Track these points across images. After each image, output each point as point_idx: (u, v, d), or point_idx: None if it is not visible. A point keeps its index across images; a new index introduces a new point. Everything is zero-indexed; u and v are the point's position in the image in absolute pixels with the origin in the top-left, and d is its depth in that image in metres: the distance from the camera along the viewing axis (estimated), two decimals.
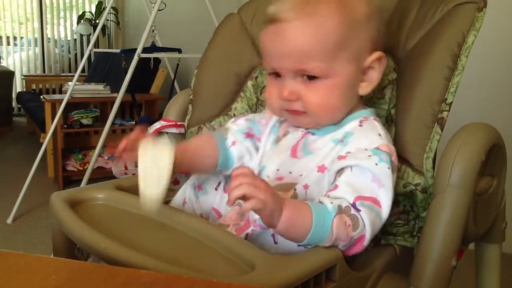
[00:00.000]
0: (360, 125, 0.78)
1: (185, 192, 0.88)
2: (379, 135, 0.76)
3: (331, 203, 0.67)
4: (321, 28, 0.72)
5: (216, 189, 0.86)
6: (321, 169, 0.75)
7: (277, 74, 0.77)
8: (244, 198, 0.62)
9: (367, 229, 0.68)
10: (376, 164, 0.71)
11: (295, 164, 0.78)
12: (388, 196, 0.71)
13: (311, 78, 0.74)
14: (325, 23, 0.72)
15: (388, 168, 0.71)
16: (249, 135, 0.86)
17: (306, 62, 0.73)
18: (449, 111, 0.79)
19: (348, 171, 0.72)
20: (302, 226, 0.65)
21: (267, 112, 0.88)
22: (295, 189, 0.75)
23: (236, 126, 0.87)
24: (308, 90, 0.75)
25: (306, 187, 0.75)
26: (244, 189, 0.61)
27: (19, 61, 5.75)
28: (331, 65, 0.73)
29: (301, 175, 0.76)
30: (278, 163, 0.79)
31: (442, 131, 0.79)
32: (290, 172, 0.77)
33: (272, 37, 0.75)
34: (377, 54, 0.77)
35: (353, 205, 0.68)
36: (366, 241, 0.69)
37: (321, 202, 0.68)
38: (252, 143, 0.85)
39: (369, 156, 0.71)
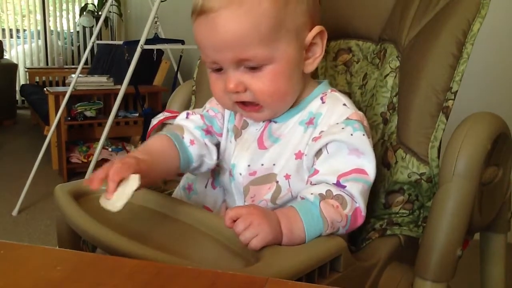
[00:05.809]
0: (323, 102, 0.77)
1: (177, 194, 0.88)
2: (344, 105, 0.75)
3: (312, 194, 0.67)
4: (253, 12, 0.67)
5: (205, 187, 0.86)
6: (299, 155, 0.75)
7: (218, 69, 0.74)
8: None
9: (358, 200, 0.69)
10: (351, 135, 0.71)
11: (265, 155, 0.77)
12: (371, 161, 0.71)
13: (254, 67, 0.71)
14: (257, 6, 0.67)
15: (363, 135, 0.72)
16: (208, 132, 0.83)
17: (245, 50, 0.69)
18: (454, 99, 0.79)
19: (324, 153, 0.72)
20: (297, 229, 0.65)
21: (214, 102, 0.85)
22: (277, 181, 0.75)
23: (192, 123, 0.83)
24: (254, 79, 0.71)
25: (287, 177, 0.75)
26: (246, 236, 0.61)
27: (22, 53, 5.75)
28: (271, 49, 0.70)
29: (274, 165, 0.76)
30: (248, 158, 0.78)
31: (447, 120, 0.79)
32: (262, 165, 0.76)
33: (204, 30, 0.70)
34: (317, 28, 0.74)
35: (337, 184, 0.69)
36: (363, 211, 0.70)
37: (302, 198, 0.68)
38: (210, 140, 0.82)
39: (343, 128, 0.72)
